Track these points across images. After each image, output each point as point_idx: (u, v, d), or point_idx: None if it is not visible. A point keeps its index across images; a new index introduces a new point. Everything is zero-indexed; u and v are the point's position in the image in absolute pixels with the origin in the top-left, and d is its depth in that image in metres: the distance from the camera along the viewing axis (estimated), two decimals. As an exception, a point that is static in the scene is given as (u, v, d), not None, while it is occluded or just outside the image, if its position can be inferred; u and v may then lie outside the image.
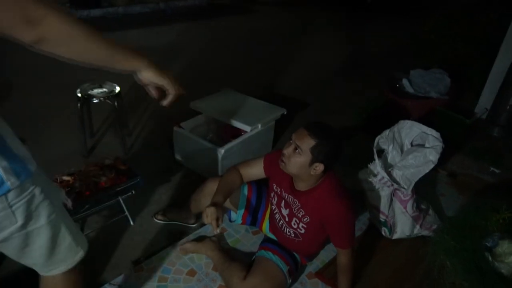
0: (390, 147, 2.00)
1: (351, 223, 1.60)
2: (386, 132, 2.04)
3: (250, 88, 3.44)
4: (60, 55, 0.82)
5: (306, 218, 1.63)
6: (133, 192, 2.10)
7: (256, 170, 1.78)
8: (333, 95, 4.10)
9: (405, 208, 1.99)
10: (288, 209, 1.70)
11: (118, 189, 2.01)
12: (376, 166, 1.90)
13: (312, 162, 1.48)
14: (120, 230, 2.14)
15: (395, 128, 2.05)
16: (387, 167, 1.97)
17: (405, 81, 3.43)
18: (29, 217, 0.96)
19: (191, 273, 1.88)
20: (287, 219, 1.72)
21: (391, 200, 1.99)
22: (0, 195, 0.86)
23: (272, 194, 1.78)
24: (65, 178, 1.98)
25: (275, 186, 1.75)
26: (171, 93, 1.07)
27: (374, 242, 2.12)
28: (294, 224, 1.69)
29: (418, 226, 2.04)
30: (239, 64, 4.85)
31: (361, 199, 2.15)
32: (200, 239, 2.06)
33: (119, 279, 1.82)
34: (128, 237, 2.11)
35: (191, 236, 2.10)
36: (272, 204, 1.82)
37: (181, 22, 6.65)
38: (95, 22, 6.20)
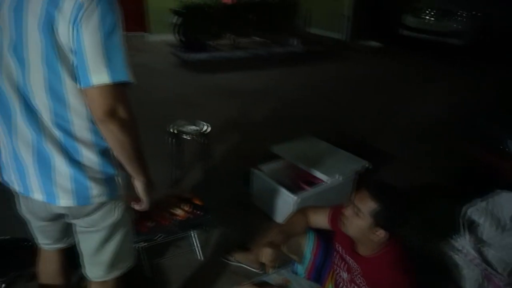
0: (484, 221, 1.75)
1: None
2: (478, 201, 1.80)
3: (334, 137, 3.39)
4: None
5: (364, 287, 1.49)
6: (205, 228, 2.17)
7: (321, 220, 1.71)
8: (424, 150, 3.81)
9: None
10: (348, 274, 1.58)
11: (191, 223, 2.10)
12: (463, 240, 1.66)
13: (372, 227, 1.37)
14: (188, 262, 2.21)
15: (492, 198, 1.80)
16: (478, 244, 1.71)
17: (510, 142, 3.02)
18: (120, 215, 1.24)
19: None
20: (347, 284, 1.59)
21: (484, 285, 1.70)
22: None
23: (334, 253, 1.68)
24: (147, 205, 2.14)
25: (337, 244, 1.65)
26: (141, 205, 1.26)
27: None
28: None
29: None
30: (327, 111, 4.84)
31: (439, 273, 1.89)
32: (263, 284, 2.01)
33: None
34: (194, 270, 2.17)
35: (255, 281, 2.06)
36: (334, 264, 1.71)
37: (276, 68, 6.98)
38: (201, 64, 6.91)
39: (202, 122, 2.90)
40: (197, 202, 2.19)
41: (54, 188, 1.08)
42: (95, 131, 1.06)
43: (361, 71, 7.04)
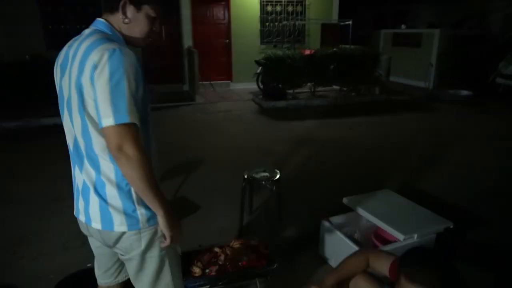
0: None
1: None
2: None
3: (413, 192, 3.16)
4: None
5: None
6: (268, 277, 2.14)
7: (382, 267, 1.59)
8: (504, 211, 3.33)
9: None
10: None
11: (256, 271, 2.10)
12: None
13: None
14: (250, 312, 2.18)
15: None
16: None
17: None
18: (149, 246, 1.33)
19: None
20: None
21: None
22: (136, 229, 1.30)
23: None
24: (215, 249, 2.21)
25: None
26: (167, 240, 1.32)
27: None
28: None
29: None
30: (406, 164, 4.57)
31: None
32: None
33: None
34: (255, 321, 2.12)
35: None
36: None
37: (356, 117, 6.88)
38: (279, 111, 7.14)
39: (274, 169, 2.96)
40: (263, 250, 2.19)
41: (90, 212, 1.31)
42: (116, 169, 1.24)
43: (447, 123, 6.60)
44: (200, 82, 8.39)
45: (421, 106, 7.82)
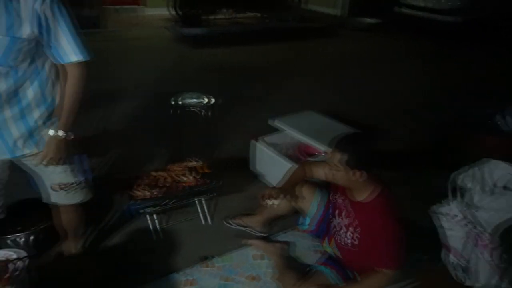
0: (474, 185, 1.89)
1: (394, 245, 1.59)
2: (466, 169, 1.94)
3: (332, 112, 3.49)
4: None
5: (359, 229, 1.70)
6: (215, 194, 2.29)
7: (320, 172, 1.89)
8: (409, 126, 3.95)
9: (490, 256, 1.84)
10: (345, 218, 1.78)
11: (200, 189, 2.22)
12: (451, 205, 1.81)
13: (349, 172, 1.57)
14: (194, 228, 2.35)
15: (481, 165, 1.94)
16: (465, 207, 1.86)
17: (498, 117, 3.17)
18: None
19: (252, 278, 1.98)
20: (343, 228, 1.78)
21: (469, 243, 1.86)
22: None
23: (331, 205, 1.89)
24: (154, 173, 2.26)
25: (333, 195, 1.87)
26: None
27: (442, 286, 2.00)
28: (350, 234, 1.75)
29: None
30: (322, 87, 4.92)
31: (431, 236, 2.05)
32: (269, 241, 2.18)
33: (187, 270, 2.00)
34: (200, 235, 2.30)
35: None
36: (330, 214, 1.88)
37: (271, 43, 6.97)
38: (196, 39, 6.87)
39: (207, 95, 2.98)
40: (206, 170, 2.30)
41: None
42: None
43: (356, 48, 7.09)
44: (105, 7, 7.52)
45: (332, 33, 8.18)
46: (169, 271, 2.00)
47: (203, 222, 2.37)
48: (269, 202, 1.84)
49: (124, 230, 2.30)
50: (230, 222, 2.38)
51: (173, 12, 7.74)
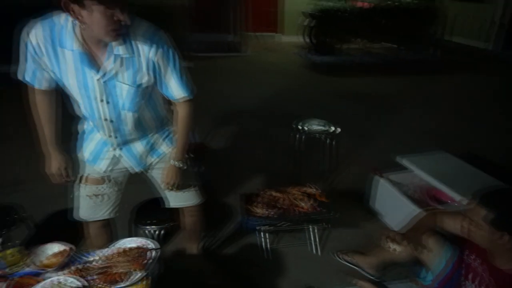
0: None
1: None
2: None
3: (469, 155, 3.10)
4: None
5: None
6: (325, 224, 2.26)
7: (453, 224, 1.66)
8: None
9: None
10: (479, 287, 1.51)
11: (314, 217, 2.21)
12: None
13: (495, 233, 1.33)
14: (303, 254, 2.33)
15: None
16: None
17: None
18: None
19: (357, 320, 1.87)
20: None
21: None
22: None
23: (463, 264, 1.61)
24: (274, 193, 2.34)
25: (469, 254, 1.60)
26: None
27: None
28: None
29: None
30: (462, 126, 4.42)
31: None
32: (380, 286, 2.01)
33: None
34: (307, 263, 2.28)
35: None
36: (463, 277, 1.63)
37: (407, 75, 6.62)
38: (327, 67, 6.97)
39: (330, 123, 2.98)
40: (323, 199, 2.28)
41: None
42: None
43: (505, 85, 6.21)
44: (247, 33, 8.25)
45: (475, 67, 7.35)
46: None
47: (313, 250, 2.34)
48: (392, 245, 1.70)
49: (238, 241, 2.43)
50: (341, 256, 2.29)
51: (307, 40, 8.05)
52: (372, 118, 4.62)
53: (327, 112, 4.51)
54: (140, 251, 1.50)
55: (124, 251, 1.50)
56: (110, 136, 1.54)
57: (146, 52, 1.35)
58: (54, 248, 1.49)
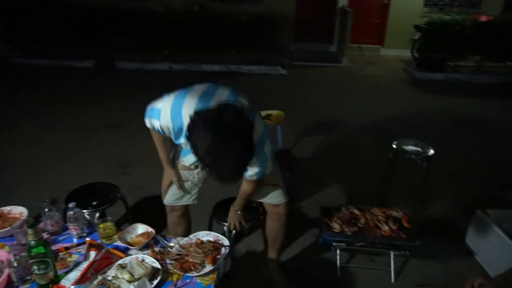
0: None
1: None
2: None
3: None
4: None
5: None
6: (407, 253, 2.08)
7: None
8: None
9: None
10: None
11: (394, 242, 2.06)
12: None
13: None
14: (378, 280, 2.18)
15: None
16: None
17: None
18: None
19: None
20: None
21: None
22: None
23: None
24: (355, 211, 2.24)
25: None
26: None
27: None
28: None
29: None
30: None
31: None
32: None
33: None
34: (383, 290, 2.12)
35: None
36: None
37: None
38: (434, 84, 6.44)
39: (426, 144, 2.74)
40: (406, 224, 2.12)
41: None
42: None
43: None
44: (349, 44, 8.06)
45: None
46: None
47: (392, 279, 2.17)
48: None
49: (313, 255, 2.38)
50: (422, 290, 2.08)
51: (412, 54, 7.56)
52: (481, 144, 4.11)
53: (425, 133, 4.17)
54: (214, 246, 1.57)
55: (200, 243, 1.58)
56: None
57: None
58: (141, 229, 1.64)
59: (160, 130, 1.54)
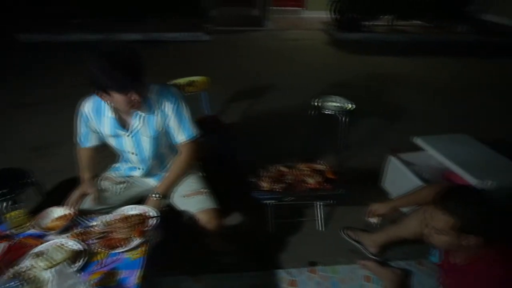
0: None
1: None
2: None
3: (494, 140, 2.95)
4: None
5: None
6: (333, 201, 2.23)
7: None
8: None
9: None
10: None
11: (321, 194, 2.18)
12: None
13: (459, 237, 1.24)
14: (308, 231, 2.33)
15: None
16: None
17: None
18: None
19: (358, 298, 1.86)
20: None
21: None
22: None
23: None
24: (283, 168, 2.31)
25: None
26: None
27: None
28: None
29: None
30: (487, 110, 4.21)
31: None
32: (384, 265, 2.00)
33: (292, 270, 2.00)
34: (311, 239, 2.28)
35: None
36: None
37: (437, 56, 6.31)
38: (353, 44, 6.75)
39: (346, 100, 2.90)
40: (331, 175, 2.24)
41: None
42: None
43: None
44: (272, 7, 8.05)
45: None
46: (274, 266, 2.04)
47: (318, 227, 2.33)
48: (371, 220, 1.67)
49: (247, 215, 2.45)
50: (345, 232, 2.27)
51: (332, 16, 7.79)
52: (393, 99, 4.46)
53: (345, 90, 4.39)
54: (141, 218, 1.53)
55: (126, 217, 1.53)
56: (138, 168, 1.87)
57: (158, 106, 1.65)
58: (59, 212, 1.54)
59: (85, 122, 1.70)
